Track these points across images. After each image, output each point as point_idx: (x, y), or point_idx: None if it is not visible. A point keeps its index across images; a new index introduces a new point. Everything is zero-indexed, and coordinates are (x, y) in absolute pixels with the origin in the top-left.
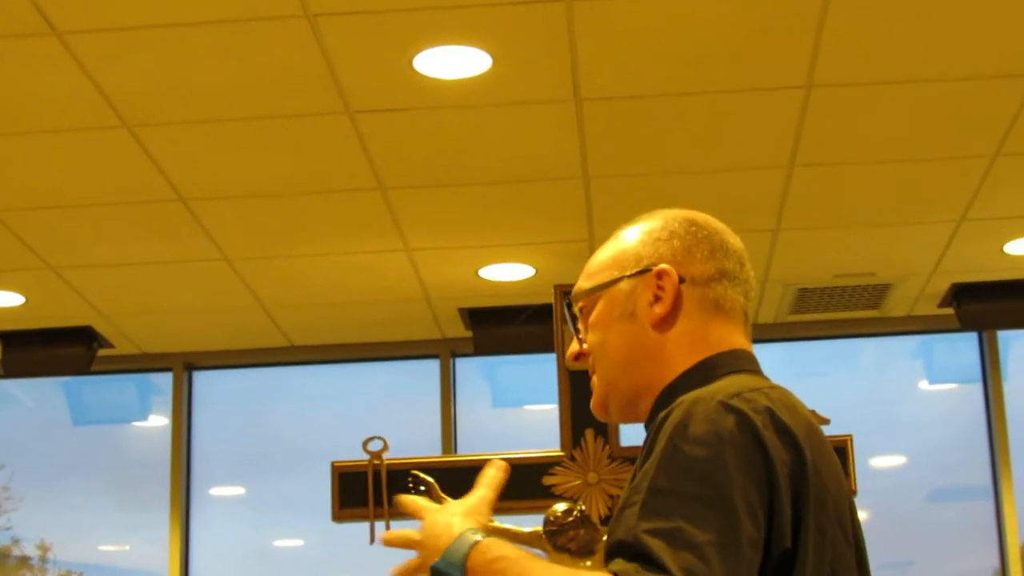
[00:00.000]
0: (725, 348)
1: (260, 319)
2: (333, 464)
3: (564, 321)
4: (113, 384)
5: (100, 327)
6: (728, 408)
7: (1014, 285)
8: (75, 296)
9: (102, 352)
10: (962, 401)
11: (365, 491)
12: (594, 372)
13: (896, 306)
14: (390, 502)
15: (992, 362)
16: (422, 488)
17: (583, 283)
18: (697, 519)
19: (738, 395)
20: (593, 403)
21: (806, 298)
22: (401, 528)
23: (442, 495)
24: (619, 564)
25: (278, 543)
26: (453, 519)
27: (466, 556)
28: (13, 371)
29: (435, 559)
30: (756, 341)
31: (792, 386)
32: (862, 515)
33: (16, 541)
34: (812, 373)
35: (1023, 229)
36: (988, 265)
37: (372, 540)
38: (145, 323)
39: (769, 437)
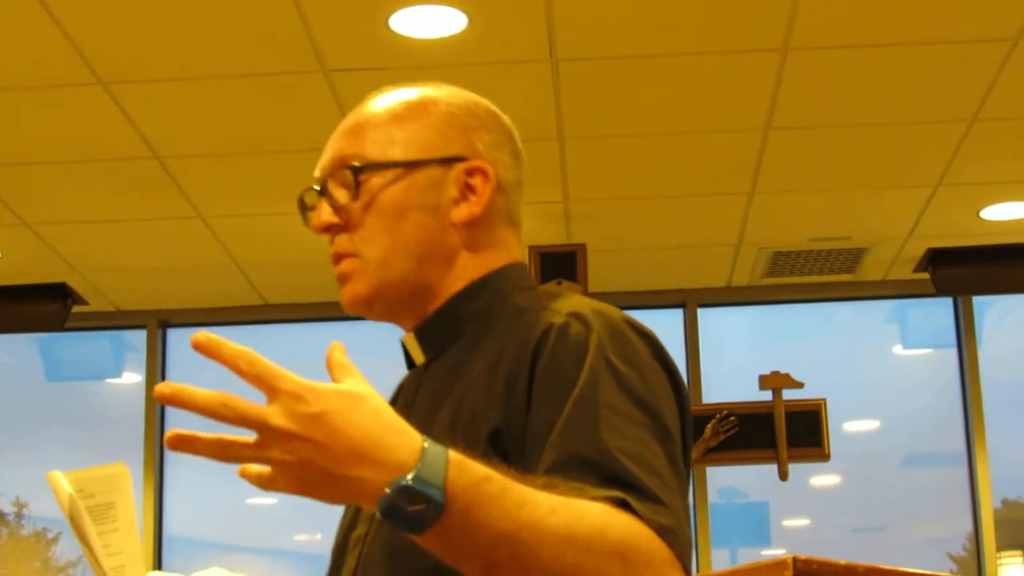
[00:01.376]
0: (515, 259)
1: (235, 277)
2: None
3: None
4: (88, 341)
5: (75, 284)
6: (638, 331)
7: (990, 250)
8: (50, 253)
9: (77, 309)
10: (937, 366)
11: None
12: (349, 255)
13: (871, 270)
14: None
15: (967, 327)
16: None
17: (363, 150)
18: (650, 443)
19: (626, 318)
20: (354, 293)
21: (781, 261)
22: None
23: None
24: (613, 492)
25: (252, 501)
26: (391, 412)
27: (446, 476)
28: None
29: (375, 471)
30: (730, 304)
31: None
32: (835, 479)
33: None
34: (786, 336)
35: (1000, 194)
36: (964, 230)
37: None
38: (120, 280)
39: (672, 365)
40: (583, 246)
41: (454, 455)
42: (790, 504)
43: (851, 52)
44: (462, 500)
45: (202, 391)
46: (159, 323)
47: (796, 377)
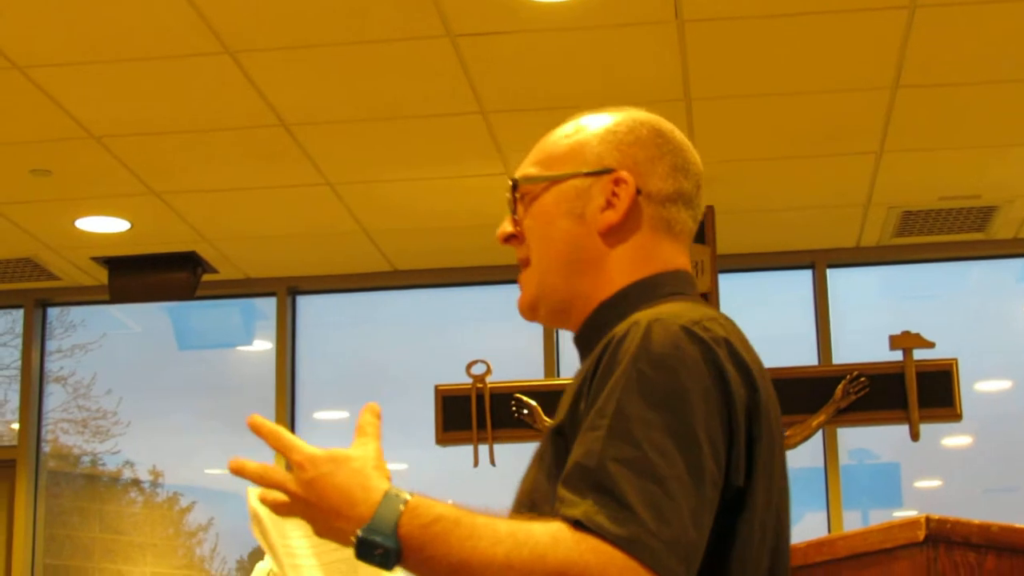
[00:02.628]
0: (670, 268)
1: (363, 243)
2: (437, 387)
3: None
4: (218, 309)
5: (205, 252)
6: (691, 335)
7: None
8: (180, 222)
9: (207, 277)
10: None
11: (468, 414)
12: (525, 266)
13: (1002, 228)
14: (494, 425)
15: None
16: (525, 411)
17: (531, 168)
18: (663, 450)
19: (697, 323)
20: (521, 301)
21: (910, 221)
22: (496, 450)
23: (545, 418)
24: (579, 507)
25: None
26: (365, 472)
27: (397, 523)
28: (119, 297)
29: (346, 524)
30: (860, 264)
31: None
32: (966, 439)
33: (124, 464)
34: (916, 296)
35: None
36: None
37: (476, 463)
38: (249, 248)
39: (730, 371)
40: (711, 208)
41: (412, 502)
42: (922, 465)
43: (979, 7)
44: (416, 540)
45: (251, 464)
46: (288, 290)
47: (927, 337)
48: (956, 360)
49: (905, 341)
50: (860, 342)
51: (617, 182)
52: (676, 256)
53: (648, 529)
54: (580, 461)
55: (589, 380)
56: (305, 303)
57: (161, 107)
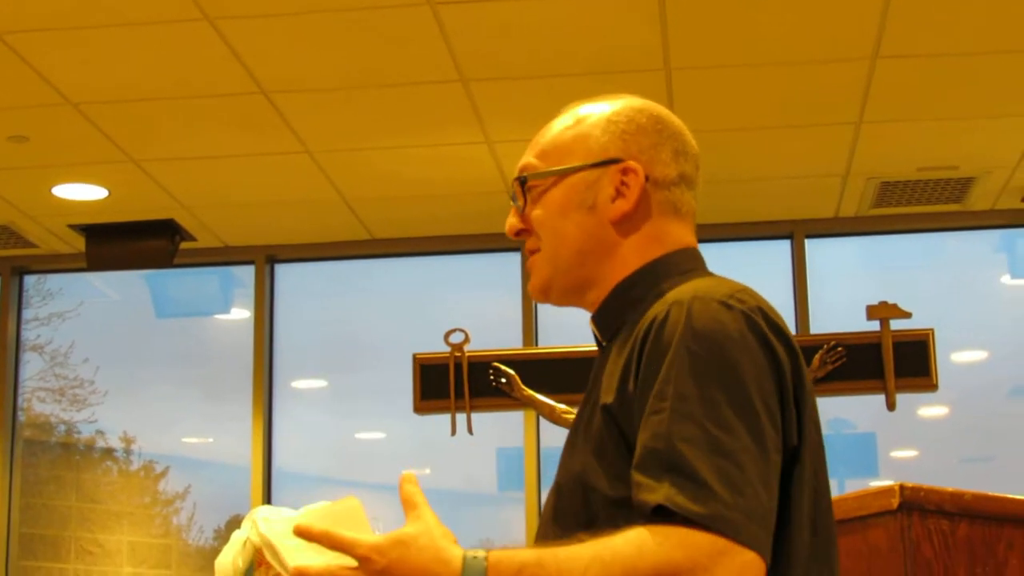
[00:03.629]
0: (680, 246)
1: (342, 212)
2: (415, 356)
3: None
4: (196, 277)
5: (183, 220)
6: (729, 308)
7: None
8: (158, 189)
9: (185, 245)
10: None
11: (447, 383)
12: (534, 252)
13: (979, 200)
14: (472, 393)
15: None
16: (503, 380)
17: (537, 161)
18: (726, 425)
19: (732, 296)
20: (533, 285)
21: (888, 191)
22: (474, 419)
23: (523, 387)
24: (659, 492)
25: (360, 435)
26: (435, 545)
27: (485, 572)
28: (97, 264)
29: None
30: (838, 234)
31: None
32: (942, 410)
33: (101, 433)
34: (894, 267)
35: None
36: None
37: (454, 431)
38: (227, 216)
39: (772, 338)
40: None
41: (492, 559)
42: (898, 435)
43: None
44: None
45: (316, 568)
46: (267, 258)
47: (904, 307)
48: (932, 330)
49: (882, 311)
50: (837, 312)
51: (625, 171)
52: (685, 235)
53: (726, 503)
54: (649, 445)
55: (636, 361)
56: (283, 271)
57: (140, 74)
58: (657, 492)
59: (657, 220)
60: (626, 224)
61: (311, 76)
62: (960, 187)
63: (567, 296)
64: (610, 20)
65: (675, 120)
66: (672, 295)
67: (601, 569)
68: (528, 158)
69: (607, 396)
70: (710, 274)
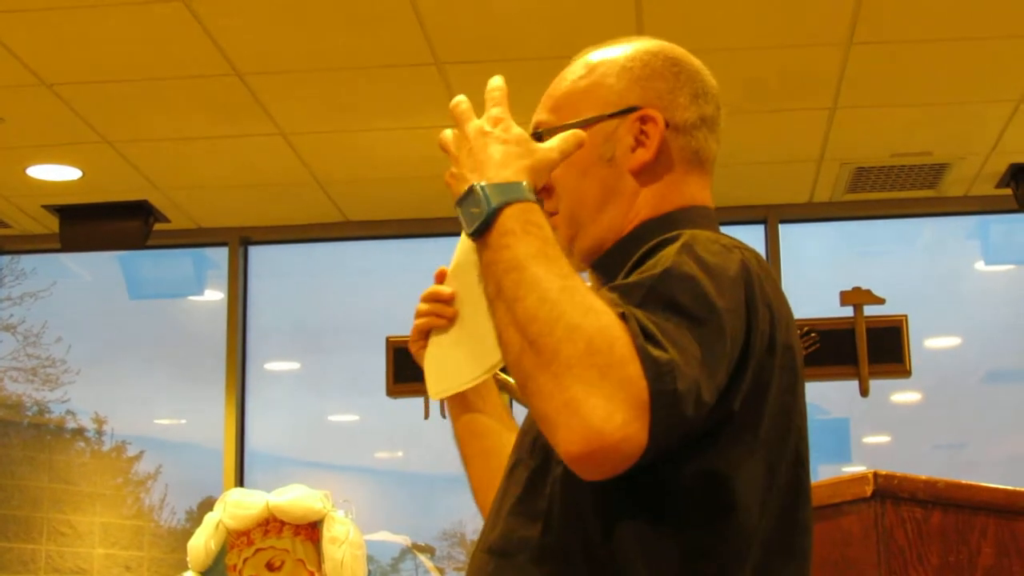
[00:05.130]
0: (694, 203)
1: (315, 194)
2: (388, 339)
3: None
4: (169, 258)
5: (156, 201)
6: (728, 249)
7: None
8: (131, 170)
9: (158, 226)
10: (1018, 282)
11: (420, 366)
12: (554, 212)
13: (953, 186)
14: None
15: None
16: None
17: (551, 116)
18: (690, 330)
19: (737, 247)
20: None
21: (863, 177)
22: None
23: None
24: (629, 318)
25: (333, 418)
26: (525, 153)
27: (507, 202)
28: (70, 245)
29: (475, 177)
30: (812, 220)
31: (847, 265)
32: (916, 396)
33: (72, 414)
34: (868, 253)
35: None
36: None
37: (427, 415)
38: (201, 197)
39: (758, 284)
40: None
41: (533, 204)
42: (871, 421)
43: None
44: (508, 224)
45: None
46: (241, 240)
47: (878, 293)
48: (906, 316)
49: (855, 297)
50: (811, 298)
51: (644, 120)
52: (701, 191)
53: (673, 368)
54: (618, 289)
55: (626, 274)
56: (257, 253)
57: (114, 55)
58: (629, 318)
59: (678, 171)
60: (646, 175)
61: (286, 58)
62: (934, 173)
63: (588, 255)
64: (585, 3)
65: (692, 60)
66: (682, 232)
67: (571, 290)
68: (542, 114)
69: None
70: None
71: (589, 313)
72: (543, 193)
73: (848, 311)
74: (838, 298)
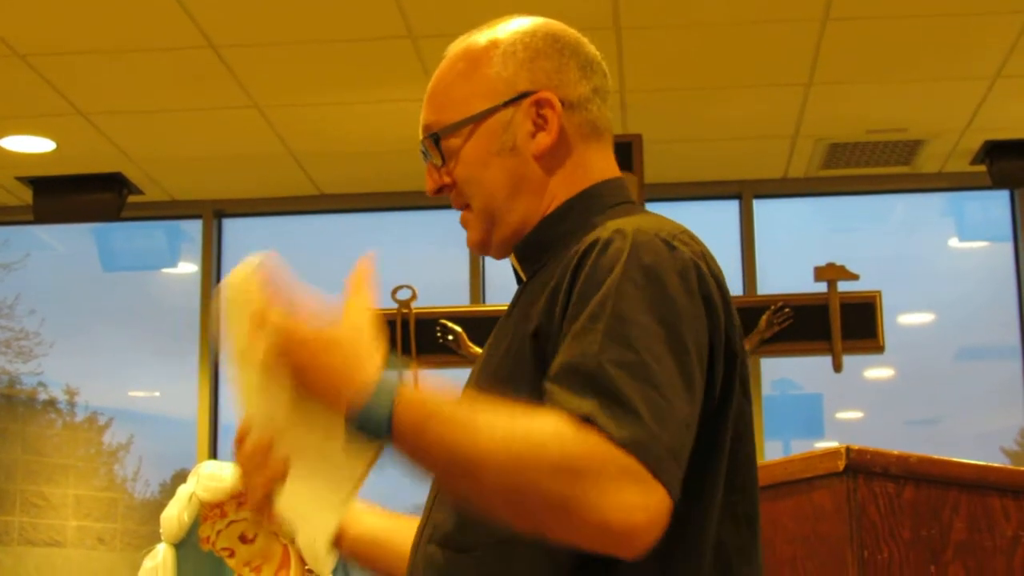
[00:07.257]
0: (605, 177)
1: (290, 167)
2: None
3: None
4: (143, 231)
5: (130, 173)
6: (672, 248)
7: None
8: (105, 142)
9: (132, 199)
10: (992, 259)
11: (393, 340)
12: (464, 207)
13: (928, 162)
14: (418, 350)
15: (1023, 220)
16: (450, 337)
17: (440, 116)
18: (658, 356)
19: (676, 236)
20: (471, 240)
21: (837, 153)
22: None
23: (470, 344)
24: (584, 406)
25: None
26: (363, 343)
27: (391, 412)
28: (43, 217)
29: (338, 400)
30: (786, 195)
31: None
32: (888, 372)
33: (44, 385)
34: (842, 229)
35: None
36: (1022, 122)
37: None
38: (175, 170)
39: (712, 287)
40: (639, 136)
41: (409, 392)
42: (844, 397)
43: None
44: (406, 438)
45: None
46: (214, 213)
47: (852, 269)
48: (879, 292)
49: (829, 273)
50: (785, 273)
51: (540, 103)
52: (608, 163)
53: (651, 432)
54: (574, 362)
55: (568, 285)
56: (231, 226)
57: (88, 26)
58: (582, 407)
59: (580, 148)
60: (551, 157)
61: (259, 30)
62: (909, 149)
63: (506, 245)
64: None
65: (569, 32)
66: (612, 224)
67: (510, 438)
68: (429, 115)
69: (532, 323)
70: (644, 210)
71: (545, 444)
72: (445, 190)
73: (822, 287)
74: (812, 274)
